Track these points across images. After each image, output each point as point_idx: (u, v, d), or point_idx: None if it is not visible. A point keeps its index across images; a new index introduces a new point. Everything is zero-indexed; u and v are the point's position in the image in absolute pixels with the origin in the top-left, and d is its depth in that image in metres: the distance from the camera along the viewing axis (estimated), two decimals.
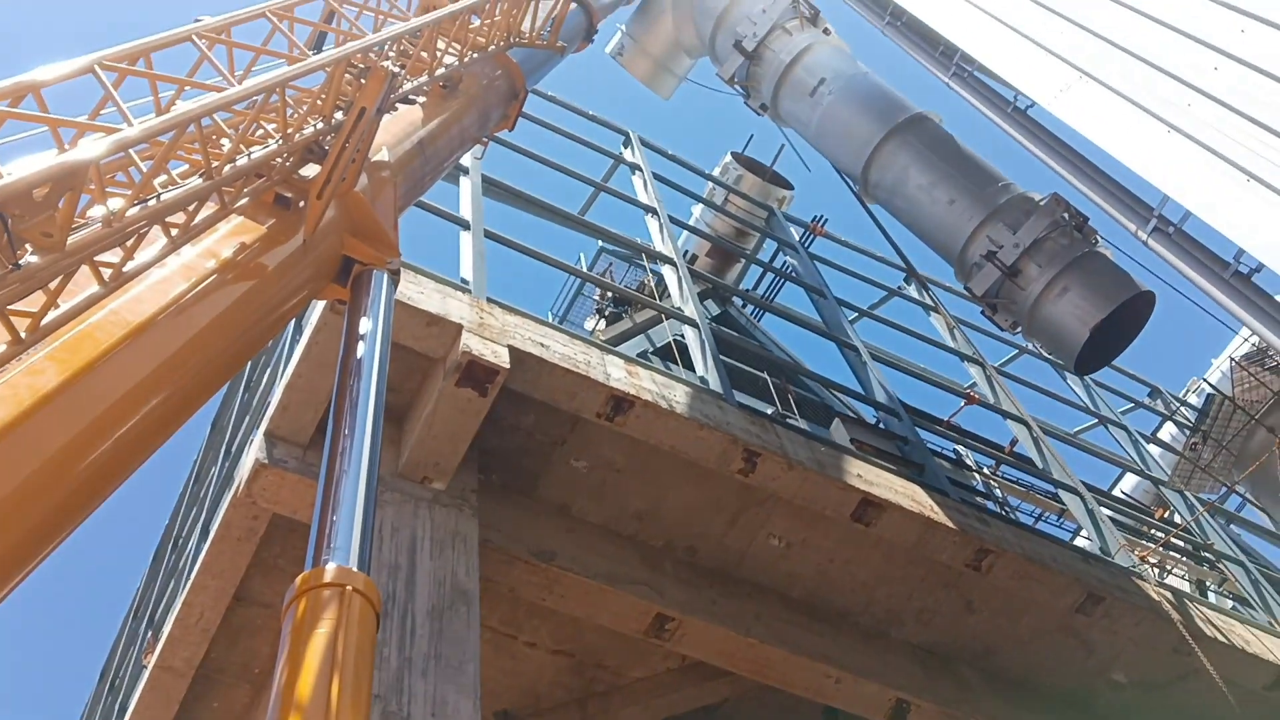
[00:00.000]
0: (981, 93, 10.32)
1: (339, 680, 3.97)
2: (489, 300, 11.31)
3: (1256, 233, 6.65)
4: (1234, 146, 6.88)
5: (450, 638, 9.25)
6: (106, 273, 4.18)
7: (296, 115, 5.60)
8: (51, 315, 3.87)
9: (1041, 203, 13.60)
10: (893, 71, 16.71)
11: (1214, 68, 7.18)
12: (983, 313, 14.06)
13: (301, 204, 5.76)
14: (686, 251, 21.36)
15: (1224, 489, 20.77)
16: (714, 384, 12.90)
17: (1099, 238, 13.16)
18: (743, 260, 22.77)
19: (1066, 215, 13.24)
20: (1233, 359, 20.17)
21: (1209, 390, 21.66)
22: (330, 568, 4.45)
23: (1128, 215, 8.40)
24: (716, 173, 22.98)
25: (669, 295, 15.97)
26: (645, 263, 19.32)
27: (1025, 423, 17.86)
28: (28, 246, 3.62)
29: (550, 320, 13.53)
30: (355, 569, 4.51)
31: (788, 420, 14.40)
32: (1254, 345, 20.33)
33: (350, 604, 4.31)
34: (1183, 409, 24.56)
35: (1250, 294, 7.55)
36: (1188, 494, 19.32)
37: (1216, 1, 7.18)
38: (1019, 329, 13.68)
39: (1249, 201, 6.68)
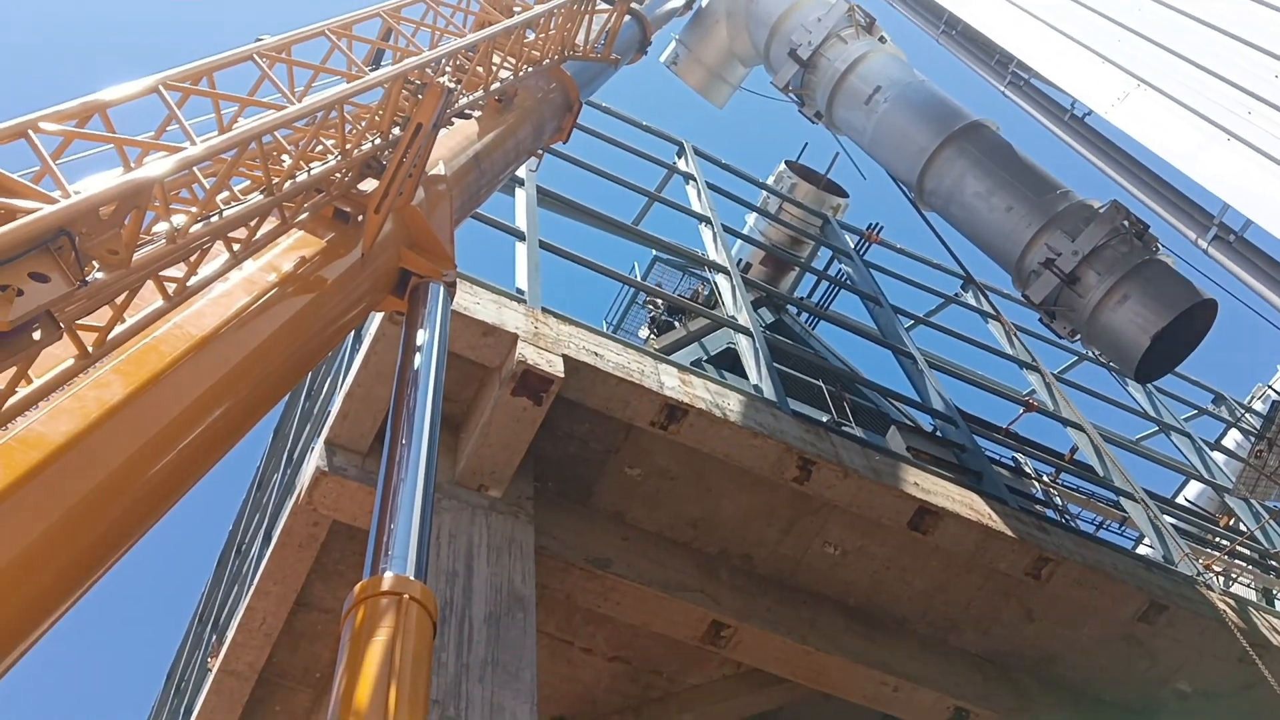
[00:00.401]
0: (1038, 101, 10.23)
1: (397, 687, 4.05)
2: (544, 310, 11.41)
3: None
4: None
5: (507, 644, 9.34)
6: (171, 287, 4.30)
7: (355, 131, 5.72)
8: (118, 330, 3.99)
9: (1100, 210, 13.44)
10: (948, 80, 16.58)
11: (1275, 75, 7.07)
12: (1041, 320, 13.91)
13: (360, 218, 5.88)
14: (741, 260, 21.36)
15: None
16: (768, 392, 12.89)
17: (1159, 245, 12.97)
18: (797, 268, 22.72)
19: (1126, 223, 13.06)
20: None
21: (1275, 396, 21.18)
22: (388, 576, 4.53)
23: (1187, 223, 8.29)
24: (771, 181, 22.97)
25: (723, 304, 15.98)
26: (699, 271, 19.36)
27: (1085, 430, 17.63)
28: (94, 263, 3.73)
29: (604, 329, 13.60)
30: (412, 577, 4.59)
31: (843, 428, 14.35)
32: None
33: (408, 612, 4.39)
34: (1248, 415, 24.07)
35: None
36: (1253, 501, 18.90)
37: (1275, 8, 7.07)
38: (1078, 336, 13.51)
39: None
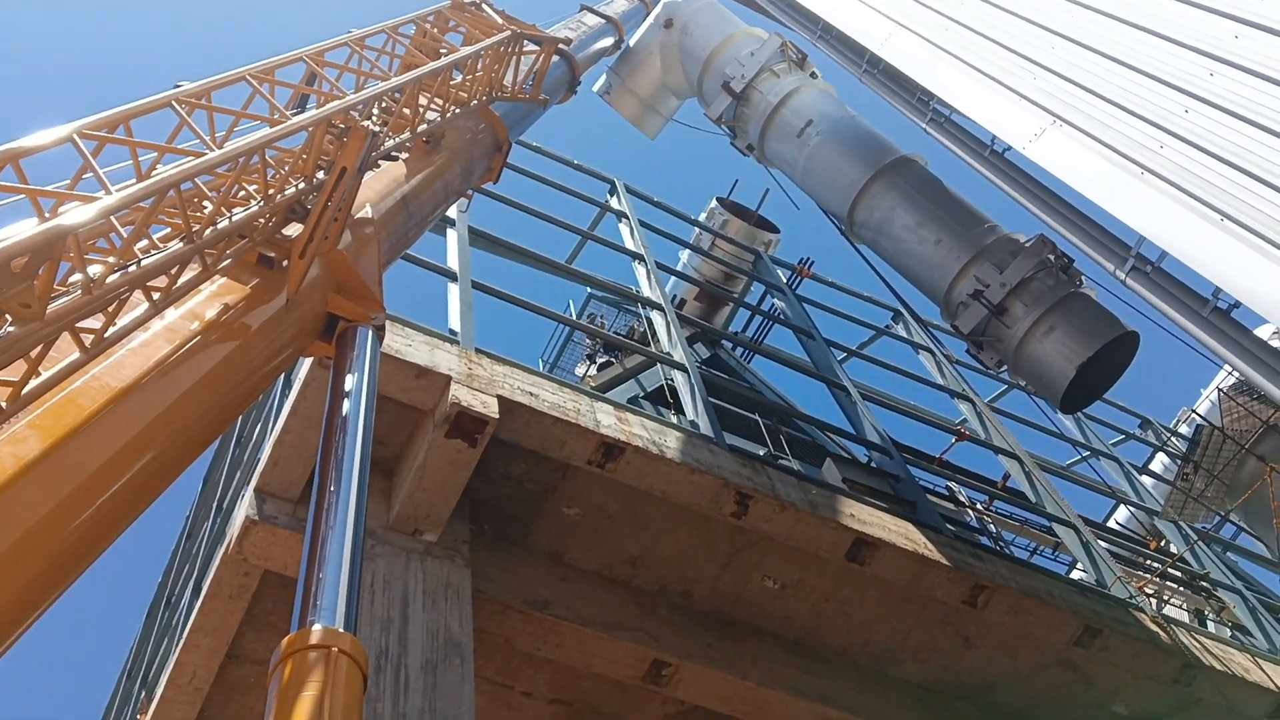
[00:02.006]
0: (958, 137, 10.44)
1: None
2: (477, 351, 11.35)
3: (1231, 270, 6.72)
4: (1206, 186, 6.97)
5: (444, 691, 9.21)
6: (88, 339, 4.21)
7: (278, 176, 5.66)
8: (33, 384, 3.90)
9: (1027, 244, 13.76)
10: (877, 114, 16.92)
11: (1185, 110, 7.29)
12: (968, 350, 14.15)
13: (284, 263, 5.80)
14: (675, 296, 21.49)
15: (1218, 518, 20.77)
16: (704, 428, 12.92)
17: (1083, 279, 13.30)
18: (731, 303, 22.88)
19: (1052, 257, 13.40)
20: (1220, 389, 20.23)
21: (1199, 421, 21.69)
22: (316, 629, 4.44)
23: (1106, 255, 8.49)
24: (702, 218, 23.16)
25: (658, 340, 16.03)
26: (634, 308, 19.41)
27: (1017, 457, 17.89)
28: (6, 317, 3.64)
29: (540, 369, 13.57)
30: (342, 629, 4.50)
31: (779, 461, 14.42)
32: (1240, 376, 20.39)
33: (336, 665, 4.30)
34: (1173, 439, 24.62)
35: (1229, 330, 7.61)
36: (1182, 524, 19.31)
37: (1185, 46, 7.30)
38: (1004, 367, 13.76)
39: (1222, 240, 6.75)
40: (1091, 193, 7.83)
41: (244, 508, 10.43)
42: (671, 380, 15.47)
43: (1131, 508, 21.10)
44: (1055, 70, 8.50)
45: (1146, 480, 22.29)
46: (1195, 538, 18.92)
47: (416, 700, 8.88)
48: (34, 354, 3.92)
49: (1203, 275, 6.99)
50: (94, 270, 4.27)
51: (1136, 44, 7.84)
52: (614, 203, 19.74)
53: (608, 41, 17.70)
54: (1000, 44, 9.19)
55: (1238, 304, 7.15)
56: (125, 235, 4.42)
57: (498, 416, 10.37)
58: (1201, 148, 7.05)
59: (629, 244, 18.17)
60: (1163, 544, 19.77)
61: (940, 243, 14.33)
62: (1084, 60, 8.24)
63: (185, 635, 11.50)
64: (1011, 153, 9.37)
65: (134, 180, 4.58)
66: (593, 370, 21.88)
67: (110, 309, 4.38)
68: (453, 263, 13.25)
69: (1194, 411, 23.41)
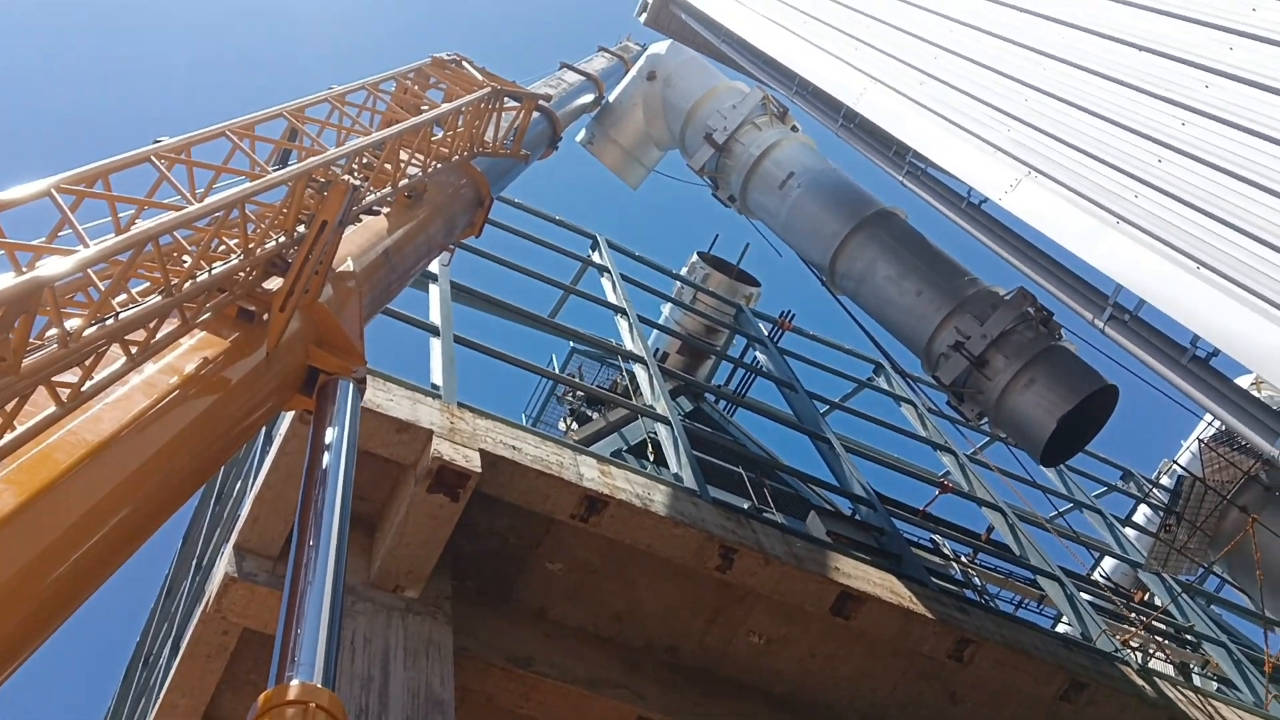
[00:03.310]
0: (935, 190, 10.56)
1: None
2: (459, 405, 11.31)
3: (1209, 317, 6.78)
4: (1181, 234, 7.05)
5: None
6: (64, 393, 4.18)
7: (258, 230, 5.67)
8: (7, 438, 3.86)
9: (1007, 297, 13.88)
10: (856, 168, 17.10)
11: (1158, 160, 7.39)
12: (949, 402, 14.19)
13: (265, 317, 5.79)
14: (657, 350, 21.52)
15: (1201, 570, 20.74)
16: (688, 481, 12.88)
17: (1064, 332, 13.40)
18: (714, 357, 22.93)
19: (1032, 310, 13.51)
20: (1201, 440, 20.29)
21: (1180, 472, 21.74)
22: (294, 685, 4.37)
23: (1084, 305, 8.55)
24: (684, 272, 23.28)
25: (641, 393, 16.03)
26: (617, 362, 19.43)
27: (1000, 509, 17.88)
28: None
29: (523, 422, 13.52)
30: (320, 685, 4.43)
31: (764, 515, 14.37)
32: (1221, 426, 20.53)
33: None
34: (1155, 491, 24.63)
35: (1209, 378, 7.66)
36: (1165, 576, 19.28)
37: (1156, 96, 7.43)
38: (985, 419, 13.79)
39: (1199, 288, 6.82)
40: (1068, 242, 7.92)
41: (223, 565, 10.31)
42: (654, 433, 15.46)
43: (1115, 560, 21.06)
44: (1028, 122, 8.63)
45: (1129, 532, 22.27)
46: (1179, 590, 18.89)
47: None
48: (9, 408, 3.89)
49: (1181, 323, 7.05)
50: (71, 324, 4.25)
51: (1108, 95, 7.97)
52: (596, 257, 19.84)
53: (588, 98, 17.90)
54: (973, 96, 9.33)
55: (1216, 352, 7.20)
56: (103, 289, 4.41)
57: (480, 470, 10.31)
58: (1175, 196, 7.14)
59: (611, 298, 18.23)
60: (1147, 597, 19.73)
61: (921, 294, 14.43)
62: (1057, 111, 8.36)
63: (162, 695, 11.31)
64: (988, 204, 9.47)
65: (112, 235, 4.58)
66: (575, 425, 21.85)
67: (87, 362, 4.36)
68: (435, 317, 13.25)
69: (1175, 462, 23.45)
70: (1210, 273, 6.80)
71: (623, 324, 17.45)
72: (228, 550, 10.44)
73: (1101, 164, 7.81)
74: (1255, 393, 7.76)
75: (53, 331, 4.08)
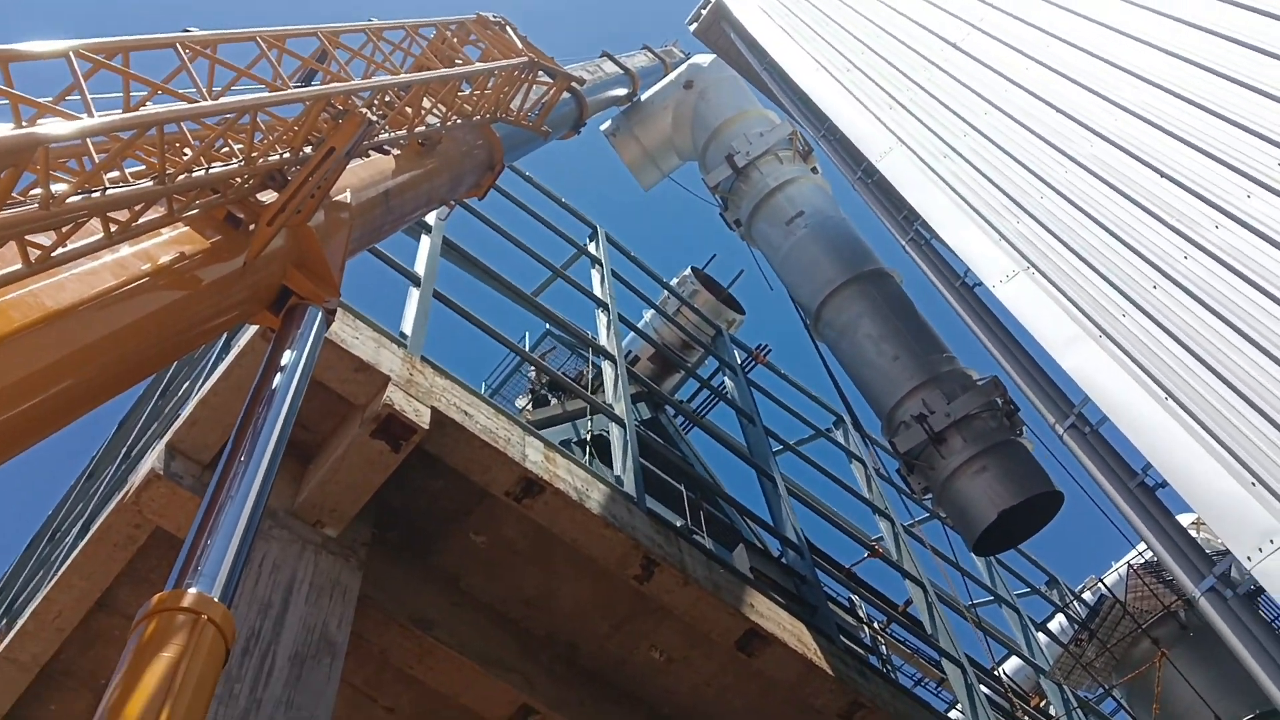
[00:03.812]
0: (934, 262, 10.65)
1: (170, 709, 3.86)
2: (422, 359, 11.26)
3: (1164, 450, 6.87)
4: (1158, 363, 7.14)
5: (307, 687, 8.99)
6: (35, 254, 4.15)
7: (265, 141, 5.64)
8: None
9: (979, 382, 13.99)
10: (863, 222, 17.18)
11: (1153, 285, 7.48)
12: (899, 471, 14.28)
13: (251, 227, 5.76)
14: (630, 352, 21.53)
15: (1101, 690, 20.97)
16: (628, 485, 12.88)
17: (1024, 429, 13.53)
18: (682, 372, 22.96)
19: (1000, 400, 13.63)
20: (1131, 565, 20.53)
21: (1103, 591, 21.99)
22: (191, 592, 4.35)
23: (1049, 408, 8.64)
24: (674, 283, 23.31)
25: (604, 390, 16.01)
26: (587, 354, 19.41)
27: (923, 585, 18.00)
28: None
29: (482, 391, 13.47)
30: (217, 599, 4.41)
31: (694, 536, 14.39)
32: (1153, 557, 20.77)
33: (202, 633, 4.21)
34: (1075, 604, 24.88)
35: (1151, 508, 7.75)
36: (1066, 688, 19.47)
37: (1166, 224, 7.51)
38: (929, 495, 13.89)
39: (1162, 419, 6.91)
40: (1048, 344, 8.00)
41: (151, 460, 10.22)
42: (607, 432, 15.45)
43: (1021, 660, 21.26)
44: (1039, 218, 8.71)
45: (1041, 637, 22.49)
46: (1075, 704, 19.08)
47: (277, 690, 8.67)
48: None
49: (1137, 447, 7.13)
50: (57, 188, 4.22)
51: (1120, 210, 8.05)
52: (591, 247, 19.83)
53: (621, 91, 17.91)
54: (992, 181, 9.40)
55: (1165, 484, 7.29)
56: (97, 162, 4.38)
57: (428, 428, 10.26)
58: (1161, 324, 7.22)
59: (597, 290, 18.22)
60: (1043, 704, 19.92)
61: (898, 360, 14.52)
62: (1068, 215, 8.44)
63: (61, 573, 11.19)
64: (981, 289, 9.55)
65: (119, 111, 4.54)
66: (531, 406, 21.82)
67: (64, 230, 4.33)
68: (419, 267, 13.20)
69: (1101, 581, 23.70)
70: (1177, 406, 6.89)
71: (602, 318, 17.44)
72: (159, 446, 10.34)
73: (1099, 276, 7.90)
74: (1193, 533, 7.86)
75: (37, 191, 4.05)
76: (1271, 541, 5.92)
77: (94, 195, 4.26)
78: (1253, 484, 6.22)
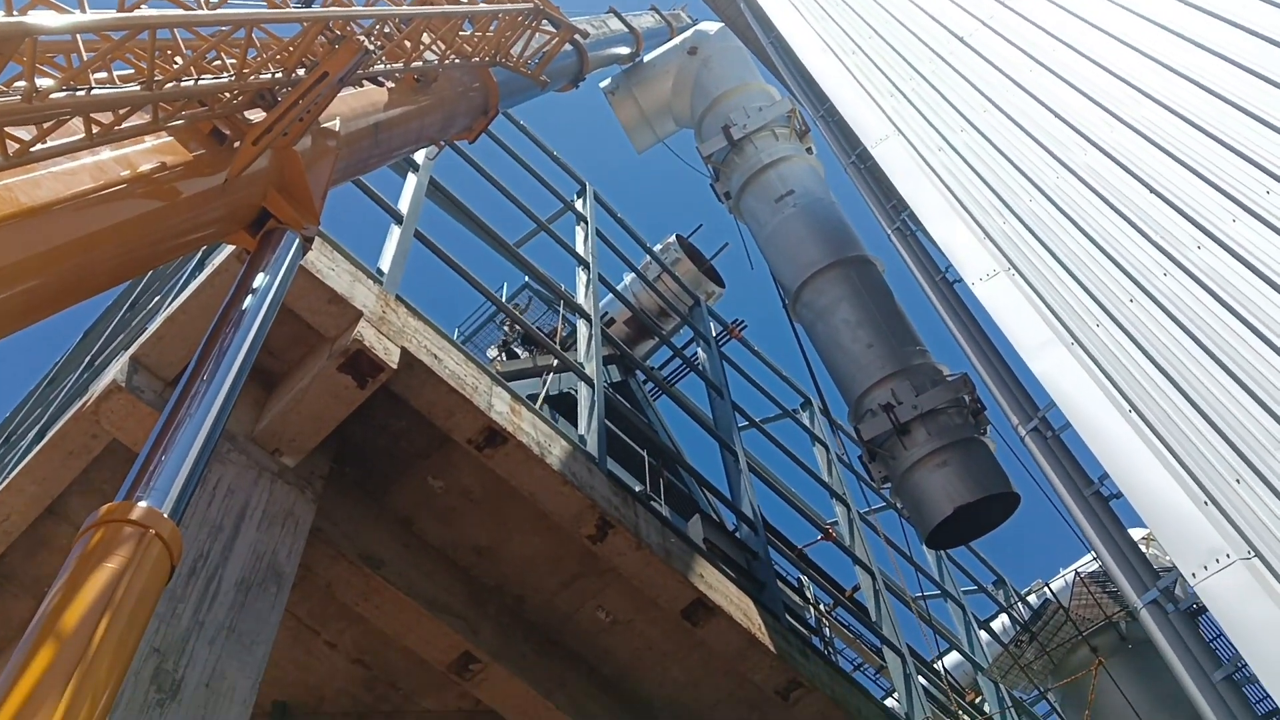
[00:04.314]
0: (917, 254, 10.67)
1: (109, 619, 3.84)
2: (397, 298, 11.19)
3: (1123, 462, 6.93)
4: (1125, 375, 7.19)
5: (251, 614, 8.99)
6: (13, 147, 4.07)
7: (259, 58, 5.56)
8: None
9: (949, 377, 14.07)
10: (852, 206, 17.17)
11: (1129, 299, 7.51)
12: (860, 458, 14.37)
13: (236, 144, 5.68)
14: (606, 313, 21.50)
15: (1036, 692, 21.29)
16: (591, 445, 12.89)
17: (989, 429, 13.63)
18: (657, 339, 22.96)
19: (968, 398, 13.71)
20: (1079, 573, 20.80)
21: (1048, 595, 22.28)
22: (141, 505, 4.32)
23: (1014, 409, 8.70)
24: (658, 249, 23.25)
25: (576, 349, 15.99)
26: (563, 311, 19.36)
27: (872, 573, 18.16)
28: None
29: (454, 336, 13.41)
30: (166, 515, 4.38)
31: (651, 502, 14.45)
32: (1100, 567, 21.04)
33: (148, 547, 4.18)
34: (1020, 605, 25.21)
35: (1104, 517, 7.83)
36: (1002, 687, 19.75)
37: (1150, 240, 7.55)
38: (888, 484, 13.99)
39: (1123, 430, 6.97)
40: (1020, 345, 8.04)
41: (114, 371, 10.12)
42: (575, 391, 15.45)
43: (961, 656, 21.54)
44: (1025, 221, 8.73)
45: (983, 635, 22.79)
46: (1010, 703, 19.36)
47: (220, 614, 8.66)
48: None
49: (1096, 456, 7.20)
50: (43, 82, 4.14)
51: (1106, 221, 8.08)
52: (579, 204, 19.73)
53: (624, 50, 17.78)
54: (983, 178, 9.41)
55: (1119, 496, 7.36)
56: (85, 59, 4.29)
57: (395, 367, 10.21)
58: (1133, 338, 7.27)
59: (579, 248, 18.15)
60: (978, 700, 20.21)
61: (871, 347, 14.58)
62: (1054, 221, 8.47)
63: (12, 477, 11.10)
64: (961, 285, 9.58)
65: (114, 11, 4.46)
66: (503, 357, 21.77)
67: (46, 126, 4.25)
68: (403, 205, 13.09)
69: (1047, 585, 24.03)
70: (1140, 420, 6.95)
71: (581, 276, 17.39)
72: (124, 359, 10.24)
73: (1077, 284, 7.94)
74: (1142, 547, 7.95)
75: (21, 84, 3.97)
76: (1217, 561, 6.01)
77: (79, 94, 4.18)
78: (1205, 503, 6.29)
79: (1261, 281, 6.81)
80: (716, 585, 12.70)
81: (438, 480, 11.64)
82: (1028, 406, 8.65)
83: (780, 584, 15.53)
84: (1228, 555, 6.00)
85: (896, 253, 11.12)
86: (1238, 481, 6.19)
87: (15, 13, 3.85)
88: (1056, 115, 9.25)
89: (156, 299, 13.70)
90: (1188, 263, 7.34)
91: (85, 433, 10.47)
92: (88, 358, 16.15)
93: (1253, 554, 5.94)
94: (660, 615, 12.53)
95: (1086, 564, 21.78)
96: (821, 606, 19.25)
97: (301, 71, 5.82)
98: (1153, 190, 7.89)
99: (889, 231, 11.21)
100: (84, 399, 10.43)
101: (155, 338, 10.04)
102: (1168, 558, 7.91)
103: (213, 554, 8.95)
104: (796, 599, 18.07)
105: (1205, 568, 6.08)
